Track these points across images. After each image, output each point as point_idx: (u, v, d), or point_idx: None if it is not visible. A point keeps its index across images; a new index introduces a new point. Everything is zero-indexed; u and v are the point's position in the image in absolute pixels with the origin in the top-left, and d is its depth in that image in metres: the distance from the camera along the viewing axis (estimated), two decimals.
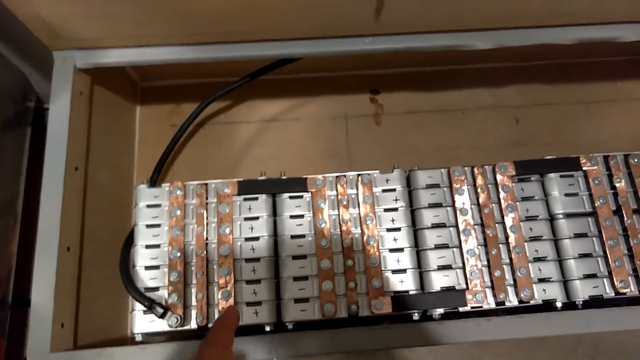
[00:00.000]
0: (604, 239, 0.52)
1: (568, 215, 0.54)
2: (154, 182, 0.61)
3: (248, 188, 0.54)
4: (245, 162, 0.77)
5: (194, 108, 0.68)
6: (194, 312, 0.50)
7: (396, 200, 0.54)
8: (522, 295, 0.51)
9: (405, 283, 0.51)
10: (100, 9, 0.49)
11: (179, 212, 0.52)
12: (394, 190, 0.55)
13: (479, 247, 0.52)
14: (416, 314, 0.51)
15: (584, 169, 0.55)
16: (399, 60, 0.81)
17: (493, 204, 0.54)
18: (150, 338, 0.51)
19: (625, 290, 0.51)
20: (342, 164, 0.78)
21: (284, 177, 0.55)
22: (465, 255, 0.52)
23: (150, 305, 0.48)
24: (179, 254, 0.51)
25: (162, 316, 0.48)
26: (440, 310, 0.51)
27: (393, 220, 0.53)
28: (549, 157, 0.56)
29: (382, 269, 0.51)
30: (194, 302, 0.50)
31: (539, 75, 0.82)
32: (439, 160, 0.78)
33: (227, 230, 0.52)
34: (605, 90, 0.82)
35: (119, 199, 0.67)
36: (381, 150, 0.79)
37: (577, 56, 0.82)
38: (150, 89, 0.80)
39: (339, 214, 0.53)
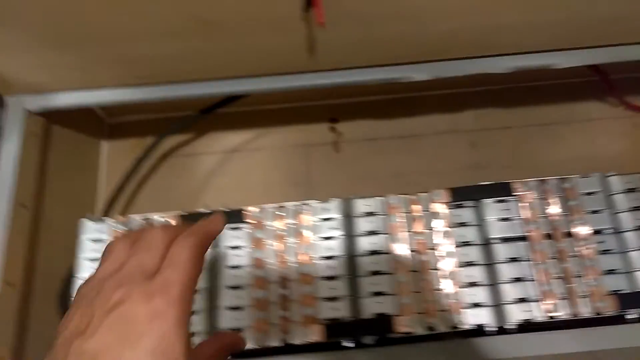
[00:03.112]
0: (536, 262, 0.53)
1: (503, 240, 0.55)
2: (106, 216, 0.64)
3: (189, 222, 0.56)
4: (207, 192, 0.79)
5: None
6: None
7: (334, 229, 0.56)
8: (452, 321, 0.51)
9: (340, 310, 0.52)
10: (43, 58, 0.52)
11: None
12: (332, 219, 0.56)
13: (413, 273, 0.53)
14: (349, 342, 0.52)
15: (517, 193, 0.56)
16: (357, 89, 0.83)
17: (427, 231, 0.55)
18: None
19: (554, 314, 0.52)
20: (304, 192, 0.80)
21: (224, 209, 0.57)
22: (398, 282, 0.53)
23: None
24: None
25: None
26: (373, 337, 0.52)
27: (330, 249, 0.55)
28: (483, 183, 0.58)
29: (316, 296, 0.53)
30: None
31: (495, 99, 0.84)
32: (398, 186, 0.78)
33: None
34: (562, 112, 0.83)
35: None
36: (341, 177, 0.81)
37: (533, 79, 0.84)
38: (117, 125, 0.83)
39: (276, 245, 0.55)
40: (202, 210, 0.57)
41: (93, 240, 0.55)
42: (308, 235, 0.55)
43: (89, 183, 0.76)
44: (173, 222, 0.55)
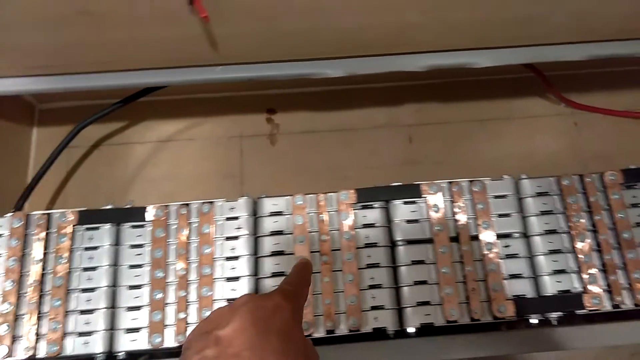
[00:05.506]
0: (438, 266, 0.53)
1: (408, 242, 0.54)
2: (20, 208, 0.62)
3: (90, 218, 0.54)
4: (138, 183, 0.78)
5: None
6: (24, 343, 0.50)
7: (239, 228, 0.55)
8: (350, 323, 0.51)
9: None
10: None
11: (16, 243, 0.53)
12: (237, 218, 0.55)
13: (314, 274, 0.53)
14: None
15: (424, 196, 0.55)
16: (295, 79, 0.81)
17: (332, 232, 0.54)
18: None
19: (454, 318, 0.51)
20: (235, 184, 0.79)
21: (127, 206, 0.55)
22: None
23: None
24: (12, 285, 0.51)
25: None
26: None
27: (233, 249, 0.54)
28: (393, 184, 0.57)
29: (215, 298, 0.52)
30: (24, 333, 0.51)
31: (434, 93, 0.82)
32: (332, 180, 0.78)
33: (63, 261, 0.53)
34: (501, 108, 0.82)
35: None
36: (275, 170, 0.79)
37: (472, 74, 0.82)
38: (49, 111, 0.81)
39: (177, 244, 0.54)
40: (104, 207, 0.55)
41: None
42: (212, 234, 0.54)
43: (18, 172, 0.74)
44: (72, 217, 0.54)
